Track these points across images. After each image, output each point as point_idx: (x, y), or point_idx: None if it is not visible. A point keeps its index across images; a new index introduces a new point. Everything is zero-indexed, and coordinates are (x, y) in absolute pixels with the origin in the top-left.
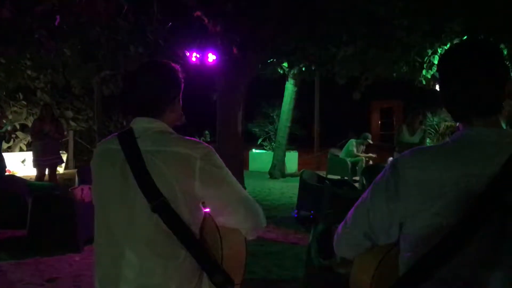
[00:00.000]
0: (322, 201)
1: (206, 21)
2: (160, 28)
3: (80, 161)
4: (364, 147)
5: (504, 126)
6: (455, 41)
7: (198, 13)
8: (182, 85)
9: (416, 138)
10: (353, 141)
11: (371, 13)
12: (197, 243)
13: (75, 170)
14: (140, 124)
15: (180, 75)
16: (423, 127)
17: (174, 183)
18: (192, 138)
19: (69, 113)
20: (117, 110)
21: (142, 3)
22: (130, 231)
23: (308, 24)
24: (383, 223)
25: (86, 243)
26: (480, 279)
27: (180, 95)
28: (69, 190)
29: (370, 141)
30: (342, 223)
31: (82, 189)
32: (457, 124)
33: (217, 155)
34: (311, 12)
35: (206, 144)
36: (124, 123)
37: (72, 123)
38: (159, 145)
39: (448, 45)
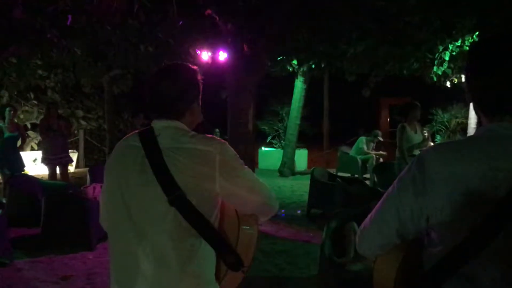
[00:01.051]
0: (334, 198)
1: (217, 19)
2: (171, 27)
3: (91, 160)
4: (374, 145)
5: None
6: (467, 38)
7: (209, 11)
8: (201, 87)
9: (420, 136)
10: (363, 139)
11: (382, 10)
12: (215, 235)
13: (86, 169)
14: (159, 124)
15: (199, 77)
16: (424, 128)
17: (193, 178)
18: (208, 135)
19: (80, 112)
20: (128, 109)
21: (154, 2)
22: (148, 225)
23: (318, 21)
24: (413, 217)
25: (99, 241)
26: (507, 277)
27: (200, 97)
28: (81, 188)
29: (381, 139)
30: (365, 222)
31: (94, 188)
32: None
33: (232, 149)
34: (321, 9)
35: (223, 140)
36: (134, 121)
37: (83, 122)
38: (178, 143)
39: (459, 42)
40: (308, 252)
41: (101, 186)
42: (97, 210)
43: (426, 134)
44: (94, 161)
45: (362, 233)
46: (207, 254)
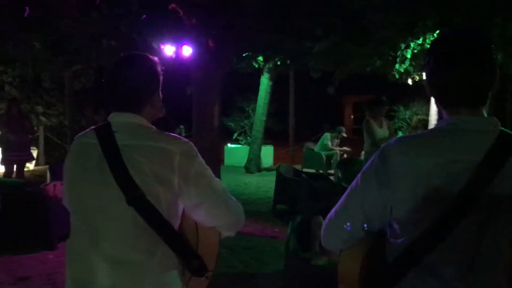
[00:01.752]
0: (299, 194)
1: (181, 13)
2: (134, 21)
3: (51, 157)
4: (339, 141)
5: (485, 115)
6: (428, 36)
7: (173, 5)
8: (161, 78)
9: (385, 131)
10: (327, 135)
11: (346, 7)
12: (177, 238)
13: (46, 166)
14: (118, 119)
15: (159, 68)
16: (390, 121)
17: (152, 178)
18: (172, 134)
19: (39, 108)
20: (89, 105)
21: None
22: (106, 225)
23: (284, 18)
24: (377, 210)
25: (60, 240)
26: (465, 264)
27: (160, 89)
28: (41, 186)
29: (344, 135)
30: (330, 216)
31: (55, 186)
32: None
33: (196, 151)
34: (287, 5)
35: (186, 140)
36: (96, 118)
37: (43, 118)
38: (138, 140)
39: (421, 40)
40: (274, 247)
41: (61, 184)
42: (57, 209)
43: (391, 129)
44: (54, 158)
45: (327, 228)
46: (169, 259)
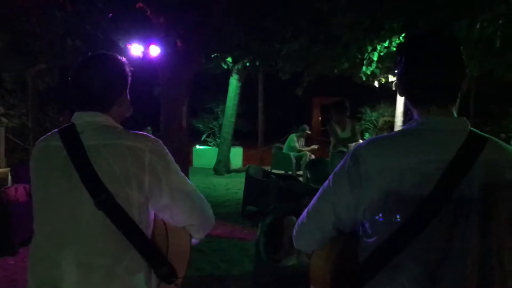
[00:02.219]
0: (269, 195)
1: (149, 12)
2: (100, 20)
3: (13, 160)
4: (304, 140)
5: (455, 115)
6: (394, 39)
7: (140, 4)
8: (129, 79)
9: (347, 132)
10: (293, 136)
11: (316, 10)
12: (146, 243)
13: (7, 169)
14: (82, 119)
15: (127, 69)
16: (354, 121)
17: (122, 178)
18: (140, 132)
19: (0, 109)
20: (53, 106)
21: None
22: (73, 230)
23: (254, 19)
24: (349, 210)
25: (22, 245)
26: (435, 263)
27: (128, 89)
28: (2, 189)
29: (308, 132)
30: (302, 218)
31: (16, 189)
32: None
33: (166, 149)
34: (257, 6)
35: (155, 138)
36: (61, 119)
37: (4, 120)
38: (104, 139)
39: (387, 43)
40: (244, 249)
41: (24, 187)
42: (19, 213)
43: (353, 130)
44: (16, 160)
45: (299, 229)
46: (137, 263)
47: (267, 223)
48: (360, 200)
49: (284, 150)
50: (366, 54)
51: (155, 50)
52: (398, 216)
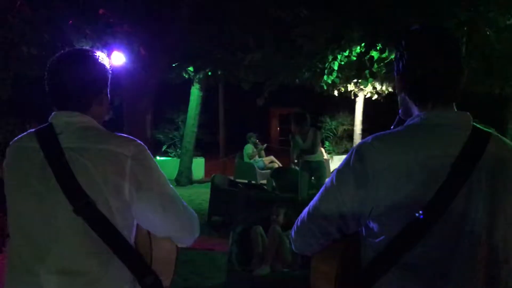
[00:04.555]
0: (236, 204)
1: (112, 19)
2: (59, 26)
3: None
4: (260, 147)
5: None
6: (354, 48)
7: (103, 10)
8: (110, 75)
9: (308, 143)
10: (249, 146)
11: (279, 20)
12: (128, 249)
13: None
14: (62, 119)
15: (108, 64)
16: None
17: (102, 184)
18: (124, 134)
19: None
20: (6, 118)
21: None
22: (53, 237)
23: (216, 28)
24: (354, 211)
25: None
26: (443, 262)
27: (108, 87)
28: None
29: (256, 140)
30: (302, 219)
31: None
32: (399, 110)
33: (150, 154)
34: (220, 15)
35: (139, 141)
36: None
37: None
38: (85, 142)
39: (347, 52)
40: (212, 260)
41: None
42: None
43: (314, 140)
44: None
45: (299, 231)
46: (120, 273)
47: (238, 233)
48: (366, 198)
49: (245, 159)
50: (327, 64)
51: (118, 58)
52: (406, 214)
